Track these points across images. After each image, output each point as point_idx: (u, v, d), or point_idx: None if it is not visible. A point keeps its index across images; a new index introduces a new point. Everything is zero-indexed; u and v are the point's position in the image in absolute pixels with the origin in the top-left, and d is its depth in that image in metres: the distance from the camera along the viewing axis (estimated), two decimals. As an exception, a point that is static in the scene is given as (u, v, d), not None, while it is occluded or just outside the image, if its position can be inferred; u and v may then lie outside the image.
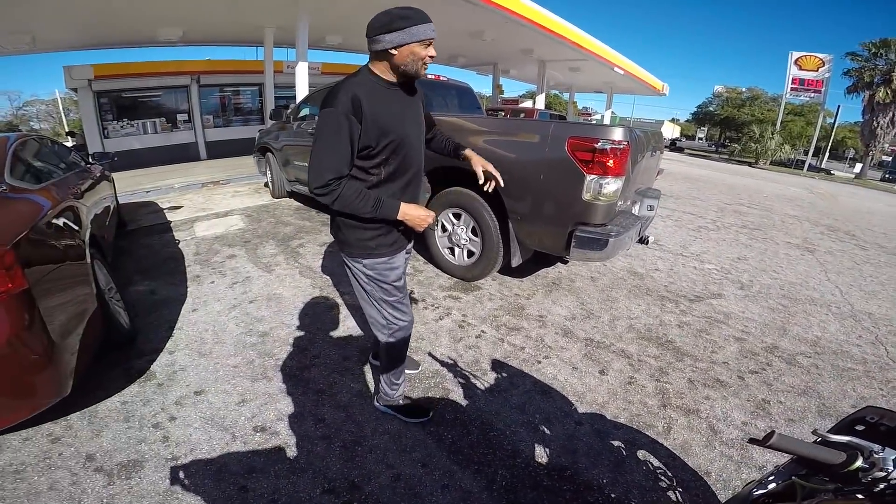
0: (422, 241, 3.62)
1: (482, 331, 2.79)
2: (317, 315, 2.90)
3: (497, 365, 2.45)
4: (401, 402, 1.99)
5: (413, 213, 1.57)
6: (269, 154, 5.95)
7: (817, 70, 26.63)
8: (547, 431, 1.98)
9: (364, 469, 1.72)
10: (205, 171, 9.06)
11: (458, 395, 2.19)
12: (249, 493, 1.59)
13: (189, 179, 7.83)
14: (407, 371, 2.27)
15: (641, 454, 1.89)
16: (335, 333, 2.70)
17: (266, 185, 6.63)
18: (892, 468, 0.69)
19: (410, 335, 1.87)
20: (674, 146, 35.62)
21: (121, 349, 2.40)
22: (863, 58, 25.55)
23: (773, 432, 0.71)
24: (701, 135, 56.44)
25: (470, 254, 3.39)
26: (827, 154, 32.06)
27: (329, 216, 1.71)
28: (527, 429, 1.98)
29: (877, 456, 0.71)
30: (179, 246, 4.15)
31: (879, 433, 0.94)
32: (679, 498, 1.70)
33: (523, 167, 2.82)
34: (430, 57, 1.48)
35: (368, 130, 1.44)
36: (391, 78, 1.52)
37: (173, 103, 12.36)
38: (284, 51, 11.42)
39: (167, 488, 1.60)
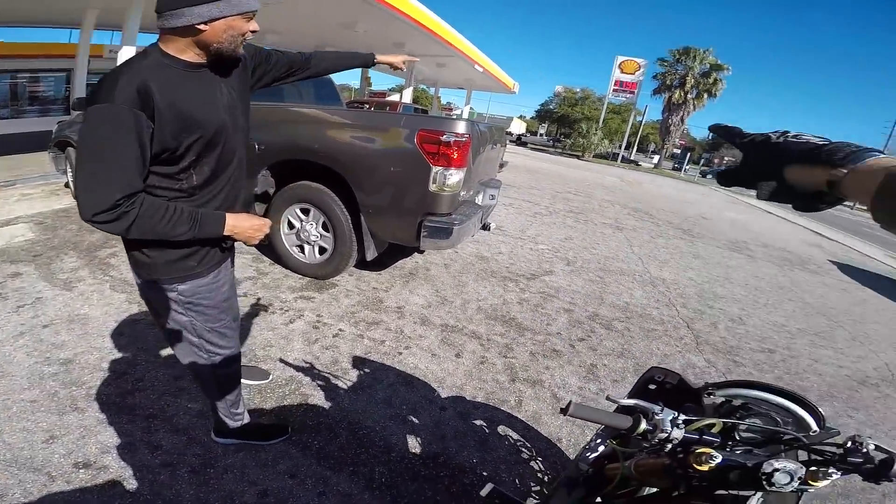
0: (266, 240, 3.39)
1: (340, 329, 2.73)
2: (136, 334, 2.51)
3: (358, 362, 2.43)
4: (246, 424, 1.75)
5: (244, 225, 1.32)
6: (70, 149, 4.93)
7: (634, 73, 31.89)
8: (415, 421, 2.02)
9: (223, 491, 1.57)
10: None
11: (318, 398, 2.11)
12: None
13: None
14: (253, 382, 2.11)
15: (501, 429, 2.04)
16: (162, 352, 2.36)
17: (67, 185, 5.49)
18: (669, 428, 0.73)
19: (238, 365, 1.64)
20: (520, 141, 39.12)
21: None
22: (668, 63, 31.32)
23: (570, 402, 0.77)
24: (542, 131, 63.21)
25: (322, 250, 3.27)
26: (635, 148, 38.66)
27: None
28: (396, 422, 1.99)
29: (657, 417, 0.75)
30: (-64, 267, 3.19)
31: (665, 391, 1.10)
32: (540, 466, 1.88)
33: (375, 160, 2.82)
34: (251, 32, 1.24)
35: (165, 128, 1.13)
36: (195, 58, 1.22)
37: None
38: (108, 34, 9.63)
39: None
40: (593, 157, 31.57)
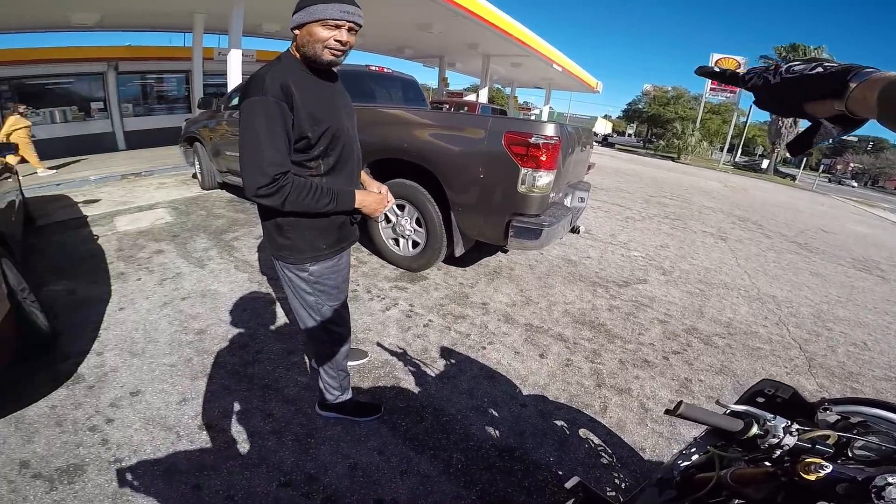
0: (365, 233, 3.61)
1: (430, 320, 2.85)
2: (256, 310, 2.82)
3: (445, 352, 2.52)
4: (347, 400, 1.90)
5: (370, 199, 1.49)
6: (197, 144, 5.64)
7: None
8: (495, 414, 2.05)
9: (319, 461, 1.71)
10: (124, 163, 8.37)
11: (409, 383, 2.22)
12: (203, 490, 1.55)
13: (106, 171, 7.21)
14: (354, 362, 2.26)
15: (582, 432, 2.02)
16: (277, 328, 2.64)
17: (195, 176, 6.28)
18: (781, 435, 0.75)
19: (348, 335, 1.79)
20: (605, 142, 37.47)
21: (42, 353, 2.22)
22: (774, 61, 28.28)
23: (680, 402, 0.78)
24: (630, 131, 59.97)
25: (415, 244, 3.44)
26: (739, 150, 35.32)
27: (260, 218, 1.54)
28: (477, 413, 2.05)
29: (769, 424, 0.77)
30: (99, 242, 3.84)
31: (776, 404, 1.05)
32: (619, 473, 1.83)
33: (464, 160, 2.90)
34: (336, 41, 1.29)
35: (301, 119, 1.30)
36: (303, 61, 1.37)
37: (87, 91, 11.26)
38: (216, 37, 10.82)
39: (115, 490, 1.53)
40: (734, 166, 29.08)
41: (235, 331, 2.57)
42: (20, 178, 4.18)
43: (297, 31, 1.32)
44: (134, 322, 2.59)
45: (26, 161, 7.34)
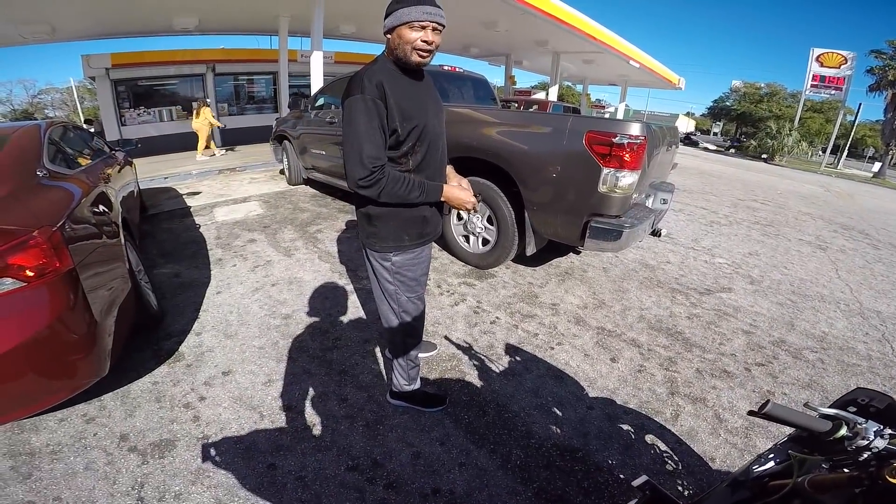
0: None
1: (497, 317, 2.86)
2: (337, 299, 2.98)
3: (511, 350, 2.51)
4: (415, 390, 1.96)
5: (456, 194, 1.58)
6: (286, 142, 6.06)
7: (839, 67, 26.27)
8: (559, 414, 2.02)
9: (386, 447, 1.77)
10: (220, 159, 9.19)
11: (473, 377, 2.24)
12: (277, 470, 1.63)
13: (206, 166, 7.96)
14: (423, 354, 2.32)
15: (649, 439, 1.94)
16: (355, 317, 2.77)
17: (282, 172, 6.75)
18: (872, 437, 0.73)
19: (421, 328, 1.85)
20: (688, 140, 35.10)
21: (150, 330, 2.46)
22: (887, 56, 25.06)
23: (768, 401, 0.76)
24: (716, 129, 55.73)
25: (485, 242, 3.46)
26: (846, 152, 31.42)
27: (354, 207, 1.66)
28: (540, 411, 2.03)
29: (860, 426, 0.75)
30: (200, 230, 4.26)
31: (869, 414, 0.97)
32: (684, 481, 1.75)
33: (541, 159, 2.87)
34: (423, 41, 1.38)
35: (393, 116, 1.40)
36: (395, 63, 1.47)
37: (189, 91, 12.51)
38: (298, 39, 11.51)
39: (199, 467, 1.63)
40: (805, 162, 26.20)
41: (318, 317, 2.73)
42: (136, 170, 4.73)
43: (388, 36, 1.43)
44: (229, 305, 2.83)
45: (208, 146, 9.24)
